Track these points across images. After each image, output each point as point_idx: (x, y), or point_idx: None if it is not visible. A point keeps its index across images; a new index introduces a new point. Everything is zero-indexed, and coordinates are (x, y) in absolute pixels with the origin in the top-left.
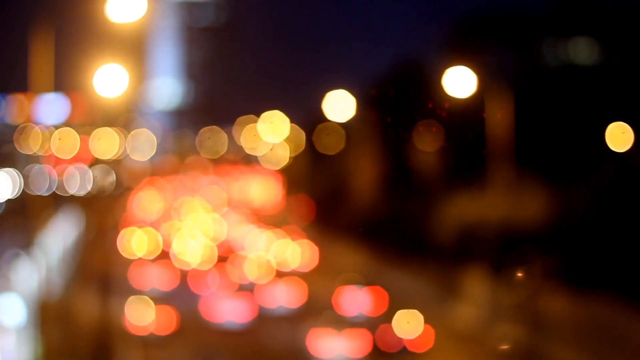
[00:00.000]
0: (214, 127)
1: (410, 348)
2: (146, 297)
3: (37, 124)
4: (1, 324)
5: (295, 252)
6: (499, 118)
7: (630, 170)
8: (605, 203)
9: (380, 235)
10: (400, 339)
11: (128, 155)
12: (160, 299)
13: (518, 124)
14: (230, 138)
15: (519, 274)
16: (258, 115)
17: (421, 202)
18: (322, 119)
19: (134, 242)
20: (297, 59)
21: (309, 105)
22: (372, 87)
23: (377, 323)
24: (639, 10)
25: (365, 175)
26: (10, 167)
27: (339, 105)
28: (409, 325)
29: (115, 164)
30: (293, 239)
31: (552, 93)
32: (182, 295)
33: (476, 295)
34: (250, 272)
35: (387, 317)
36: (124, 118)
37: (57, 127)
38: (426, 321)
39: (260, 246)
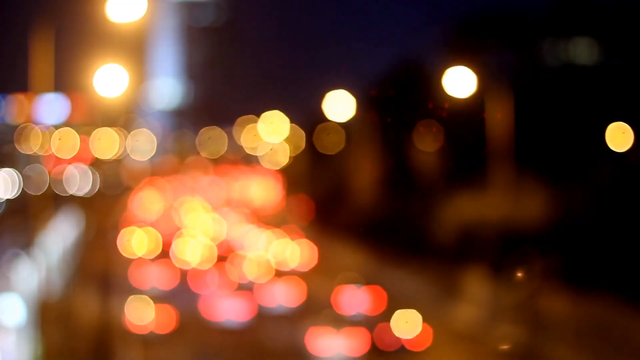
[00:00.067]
0: (214, 127)
1: (408, 347)
2: (146, 296)
3: (37, 124)
4: (1, 324)
5: (295, 251)
6: (499, 118)
7: (630, 170)
8: (605, 203)
9: (380, 235)
10: (399, 338)
11: (128, 155)
12: (160, 297)
13: (518, 124)
14: (231, 138)
15: (519, 274)
16: (258, 115)
17: (421, 202)
18: (322, 119)
19: (134, 242)
20: (297, 59)
21: (309, 105)
22: (373, 87)
23: (375, 322)
24: (639, 10)
25: (365, 176)
26: (10, 167)
27: (339, 106)
28: (407, 325)
29: (115, 164)
30: (292, 239)
31: (552, 93)
32: (182, 294)
33: (476, 295)
34: (250, 271)
35: (386, 316)
36: (124, 118)
37: (57, 127)
38: (425, 321)
39: (260, 246)
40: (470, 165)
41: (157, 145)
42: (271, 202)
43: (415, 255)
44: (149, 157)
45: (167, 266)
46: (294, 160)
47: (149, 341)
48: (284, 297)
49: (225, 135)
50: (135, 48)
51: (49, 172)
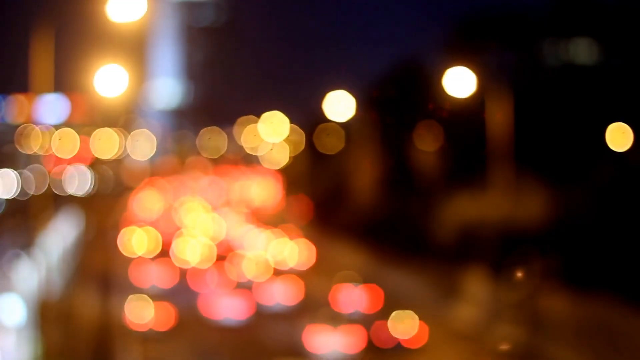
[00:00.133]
0: (215, 127)
1: (404, 344)
2: (146, 294)
3: (37, 124)
4: (1, 324)
5: (293, 251)
6: (499, 118)
7: (630, 170)
8: (605, 203)
9: (380, 234)
10: (395, 336)
11: (128, 155)
12: (159, 296)
13: (518, 124)
14: (231, 138)
15: (519, 274)
16: (258, 115)
17: (421, 202)
18: (322, 119)
19: (134, 241)
20: (297, 59)
21: (309, 105)
22: (373, 87)
23: (372, 320)
24: (639, 10)
25: (365, 176)
26: (10, 167)
27: (339, 106)
28: (404, 325)
29: (115, 164)
30: (291, 238)
31: (552, 93)
32: (181, 293)
33: (476, 295)
34: (249, 270)
35: (382, 314)
36: (124, 118)
37: (57, 127)
38: (423, 320)
39: (259, 245)
40: (470, 165)
41: (157, 146)
42: (271, 202)
43: (415, 255)
44: (149, 157)
45: (166, 265)
46: (294, 160)
47: (148, 338)
48: (282, 295)
49: (225, 136)
50: (135, 48)
51: (49, 172)
